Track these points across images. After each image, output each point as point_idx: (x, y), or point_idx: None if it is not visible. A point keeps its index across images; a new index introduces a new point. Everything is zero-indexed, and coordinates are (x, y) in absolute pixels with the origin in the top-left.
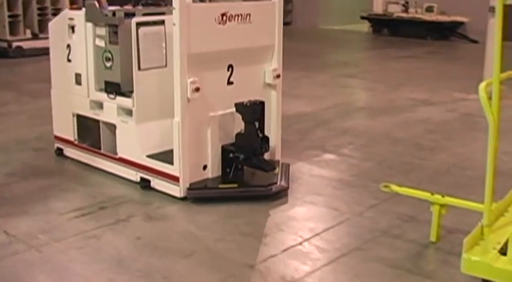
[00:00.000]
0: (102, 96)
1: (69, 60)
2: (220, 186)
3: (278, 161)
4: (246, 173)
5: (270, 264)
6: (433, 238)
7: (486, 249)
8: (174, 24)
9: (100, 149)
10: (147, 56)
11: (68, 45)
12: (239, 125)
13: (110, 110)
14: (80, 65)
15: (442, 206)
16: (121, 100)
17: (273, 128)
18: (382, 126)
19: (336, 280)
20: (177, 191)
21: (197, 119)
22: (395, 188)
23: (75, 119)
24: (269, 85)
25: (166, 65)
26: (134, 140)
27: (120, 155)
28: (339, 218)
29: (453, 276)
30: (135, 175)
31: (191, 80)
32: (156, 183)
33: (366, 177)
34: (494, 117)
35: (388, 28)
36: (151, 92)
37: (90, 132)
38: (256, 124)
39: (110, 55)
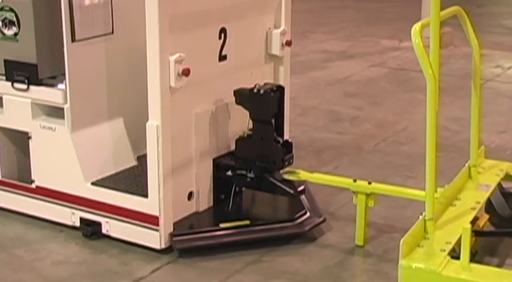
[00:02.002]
0: (0, 85)
1: None
2: (224, 225)
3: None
4: (244, 197)
5: None
6: (359, 241)
7: (432, 252)
8: None
9: None
10: (85, 18)
11: None
12: (238, 125)
13: (18, 108)
14: None
15: (369, 195)
16: (40, 92)
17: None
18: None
19: None
20: (155, 239)
21: (179, 120)
22: (304, 174)
23: None
24: (274, 57)
25: (113, 31)
26: (68, 158)
27: (38, 183)
28: None
29: None
30: (69, 216)
31: (176, 57)
32: (114, 227)
33: None
34: (433, 72)
35: None
36: (94, 76)
37: None
38: (273, 122)
39: (12, 16)
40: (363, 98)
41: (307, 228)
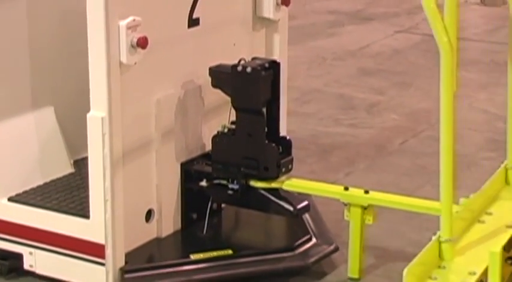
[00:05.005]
0: None
1: None
2: (196, 257)
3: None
4: (225, 218)
5: None
6: (353, 273)
7: None
8: None
9: None
10: None
11: None
12: (215, 116)
13: None
14: None
15: (366, 209)
16: None
17: None
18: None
19: None
20: (99, 277)
21: (133, 110)
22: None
23: None
24: (266, 21)
25: None
26: None
27: None
28: None
29: None
30: None
31: (128, 21)
32: (41, 261)
33: None
34: (448, 39)
35: None
36: (11, 46)
37: None
38: (264, 112)
39: None
40: (385, 76)
41: (312, 259)
